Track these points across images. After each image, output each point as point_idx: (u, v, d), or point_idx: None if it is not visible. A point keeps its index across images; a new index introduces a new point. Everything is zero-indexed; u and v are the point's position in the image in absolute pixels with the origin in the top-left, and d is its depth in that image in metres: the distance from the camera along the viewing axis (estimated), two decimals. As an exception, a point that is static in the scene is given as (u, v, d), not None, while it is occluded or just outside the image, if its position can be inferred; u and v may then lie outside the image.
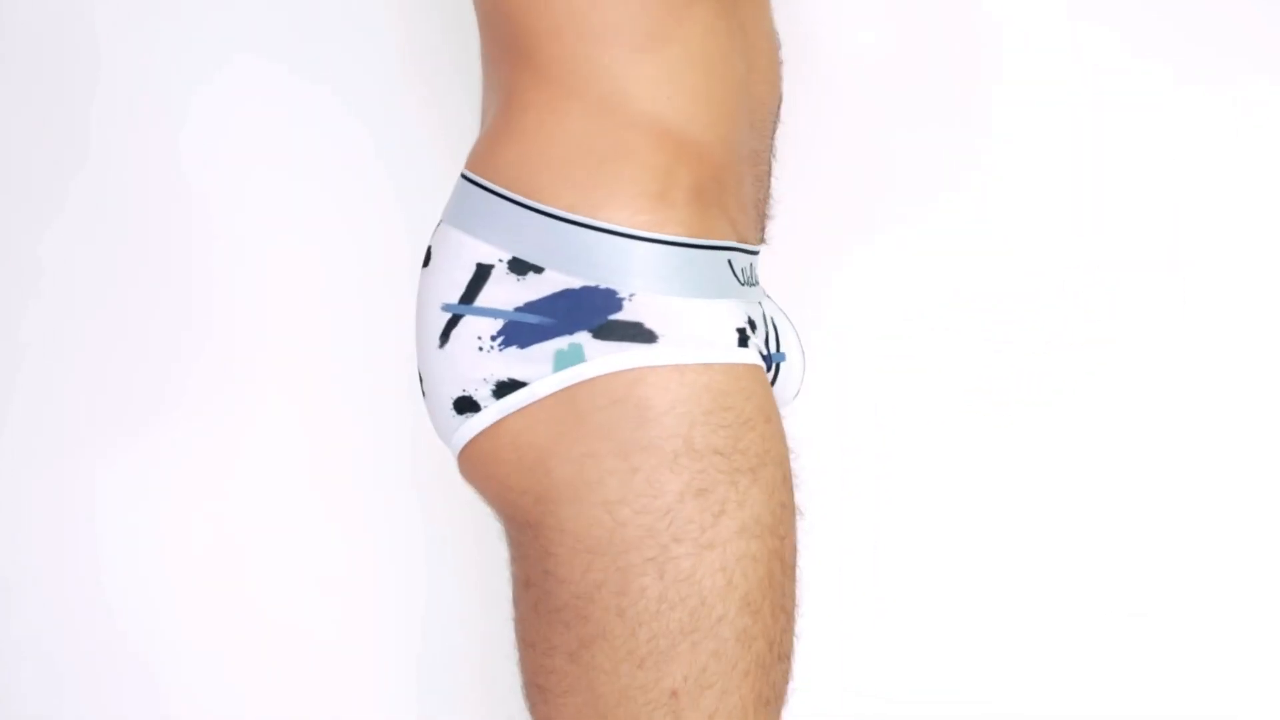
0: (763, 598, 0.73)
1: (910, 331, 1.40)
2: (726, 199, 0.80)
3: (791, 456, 0.80)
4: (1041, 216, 1.38)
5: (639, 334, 0.72)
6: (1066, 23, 1.35)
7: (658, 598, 0.71)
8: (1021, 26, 1.35)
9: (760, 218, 0.93)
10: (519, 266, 0.74)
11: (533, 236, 0.73)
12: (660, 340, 0.72)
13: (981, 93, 1.36)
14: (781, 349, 0.90)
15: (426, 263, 0.79)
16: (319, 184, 1.43)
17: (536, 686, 0.77)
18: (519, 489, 0.75)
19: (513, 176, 0.75)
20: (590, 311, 0.73)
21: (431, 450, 1.43)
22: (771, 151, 0.94)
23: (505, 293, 0.74)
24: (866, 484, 1.44)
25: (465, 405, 0.76)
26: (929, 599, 1.45)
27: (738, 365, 0.74)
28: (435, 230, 0.80)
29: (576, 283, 0.73)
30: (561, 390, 0.72)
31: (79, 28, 1.41)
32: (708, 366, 0.72)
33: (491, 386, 0.74)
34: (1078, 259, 1.37)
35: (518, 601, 0.78)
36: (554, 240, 0.73)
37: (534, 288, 0.73)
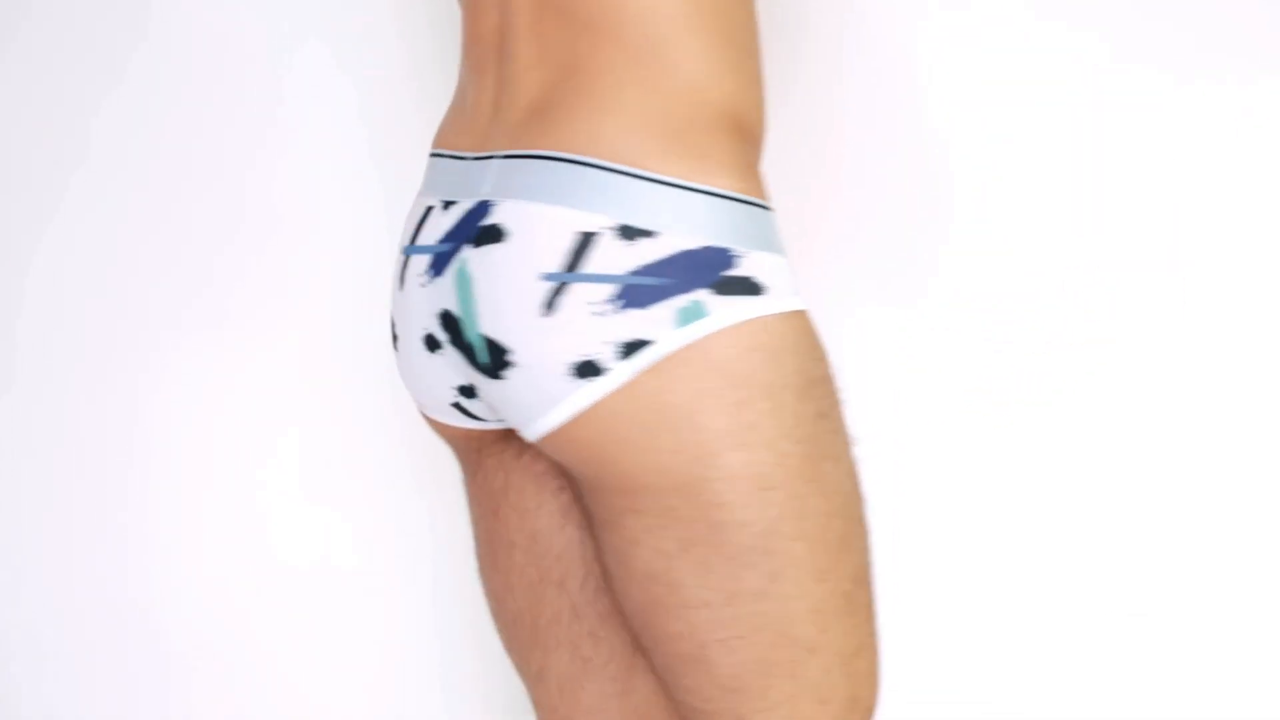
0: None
1: (910, 332, 1.40)
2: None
3: None
4: (1041, 217, 1.38)
5: (751, 288, 0.78)
6: (1066, 22, 1.35)
7: (826, 513, 0.80)
8: (1020, 27, 1.36)
9: None
10: (628, 233, 0.77)
11: (646, 204, 0.78)
12: (768, 292, 0.79)
13: (981, 93, 1.36)
14: None
15: (486, 240, 0.81)
16: (321, 182, 1.43)
17: (717, 643, 0.81)
18: (669, 448, 0.77)
19: (616, 150, 0.79)
20: (708, 269, 0.78)
21: (437, 449, 1.44)
22: None
23: (616, 258, 0.77)
24: (866, 483, 1.44)
25: (587, 369, 0.77)
26: (928, 598, 1.45)
27: (806, 310, 0.84)
28: (494, 209, 0.81)
29: (695, 243, 0.78)
30: (693, 344, 0.77)
31: (80, 28, 1.41)
32: (801, 312, 0.81)
33: (616, 347, 0.77)
34: (1078, 259, 1.38)
35: (661, 575, 0.80)
36: (670, 206, 0.78)
37: (648, 251, 0.77)
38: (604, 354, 0.77)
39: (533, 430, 0.81)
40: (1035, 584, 1.43)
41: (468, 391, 0.86)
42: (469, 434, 0.92)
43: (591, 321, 0.77)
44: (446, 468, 1.46)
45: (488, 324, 0.80)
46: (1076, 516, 1.42)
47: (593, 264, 0.77)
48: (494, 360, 0.81)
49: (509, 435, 0.92)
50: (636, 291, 0.77)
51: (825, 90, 1.36)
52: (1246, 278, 1.37)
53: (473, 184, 0.83)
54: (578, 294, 0.77)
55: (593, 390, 0.78)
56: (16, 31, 1.42)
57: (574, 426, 0.79)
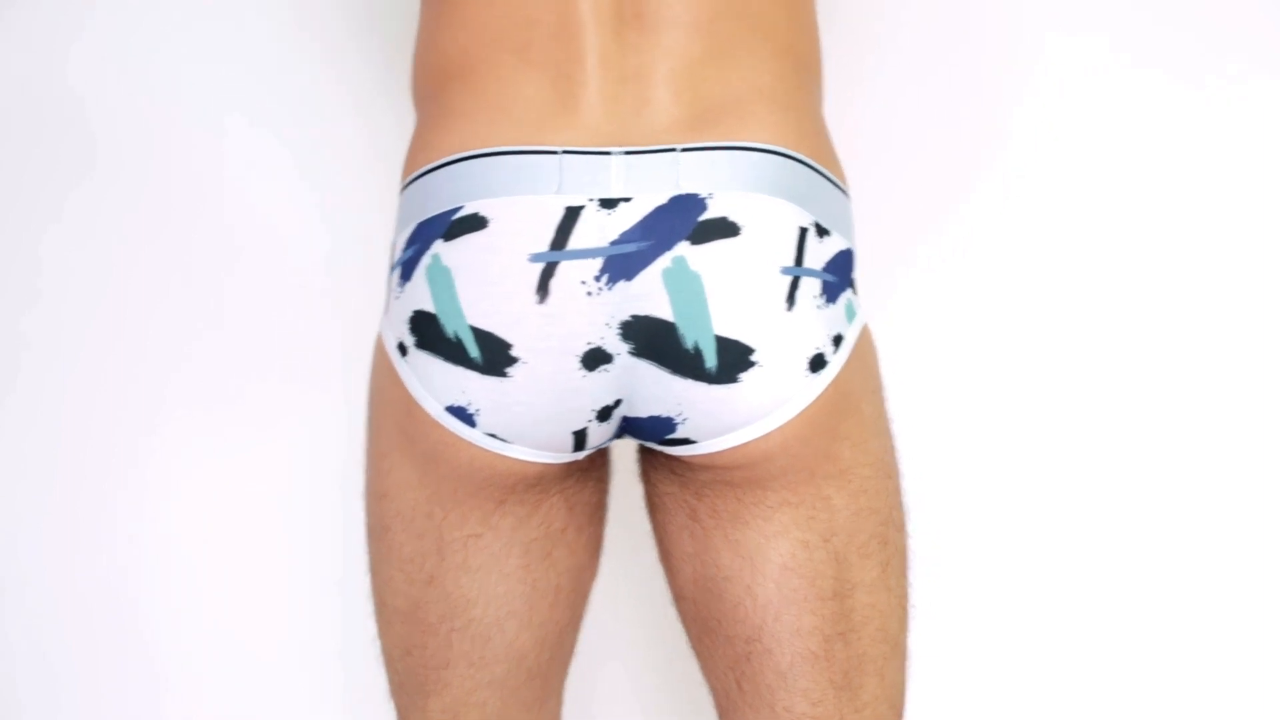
0: None
1: (910, 331, 1.40)
2: None
3: None
4: (1042, 216, 1.38)
5: (855, 287, 0.85)
6: (1064, 22, 1.36)
7: (901, 501, 0.87)
8: (1020, 26, 1.35)
9: None
10: (820, 230, 0.81)
11: (832, 206, 0.82)
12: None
13: (981, 93, 1.36)
14: None
15: (714, 236, 0.77)
16: (327, 184, 1.42)
17: (839, 636, 0.82)
18: (845, 435, 0.81)
19: (818, 154, 0.83)
20: (850, 269, 0.83)
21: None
22: None
23: (815, 254, 0.80)
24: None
25: (818, 363, 0.80)
26: (928, 598, 1.45)
27: None
28: (711, 202, 0.78)
29: (848, 244, 0.83)
30: (858, 338, 0.83)
31: (79, 32, 1.41)
32: None
33: (830, 340, 0.80)
34: (1078, 259, 1.38)
35: (803, 567, 0.82)
36: (840, 209, 0.84)
37: (829, 249, 0.81)
38: (827, 347, 0.80)
39: (730, 438, 0.78)
40: (1034, 583, 1.44)
41: (605, 413, 0.80)
42: (545, 471, 0.82)
43: (817, 315, 0.79)
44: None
45: (725, 324, 0.77)
46: (1076, 516, 1.42)
47: (808, 259, 0.79)
48: (729, 362, 0.77)
49: (573, 468, 0.86)
50: (830, 287, 0.80)
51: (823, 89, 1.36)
52: (1247, 278, 1.37)
53: (642, 178, 0.77)
54: (806, 288, 0.79)
55: (818, 383, 0.79)
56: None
57: (793, 423, 0.79)
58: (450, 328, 0.77)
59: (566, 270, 0.76)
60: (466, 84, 0.81)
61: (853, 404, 0.81)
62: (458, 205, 0.77)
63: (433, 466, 0.81)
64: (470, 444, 0.79)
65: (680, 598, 0.90)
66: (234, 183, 1.42)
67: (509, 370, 0.77)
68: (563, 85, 0.80)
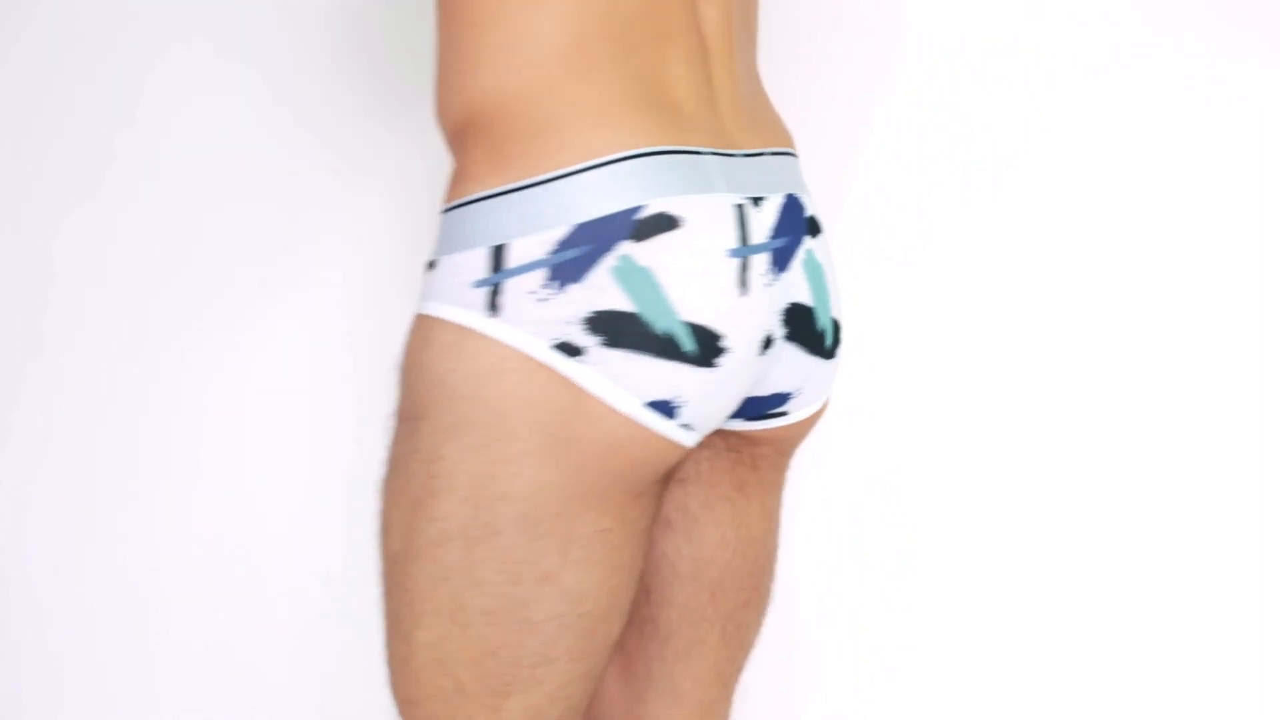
0: None
1: (909, 331, 1.40)
2: None
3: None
4: (1042, 216, 1.38)
5: None
6: (1053, 11, 1.35)
7: None
8: (1008, 15, 1.36)
9: None
10: None
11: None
12: None
13: (981, 92, 1.36)
14: None
15: (818, 231, 0.90)
16: (335, 183, 1.44)
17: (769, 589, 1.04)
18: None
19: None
20: None
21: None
22: None
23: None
24: (866, 483, 1.44)
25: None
26: (927, 600, 1.45)
27: None
28: (805, 201, 0.89)
29: None
30: None
31: (80, 30, 1.43)
32: None
33: None
34: (1067, 249, 1.37)
35: (778, 524, 0.99)
36: None
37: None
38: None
39: (812, 407, 0.92)
40: (1033, 584, 1.43)
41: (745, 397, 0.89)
42: (682, 454, 0.86)
43: None
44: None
45: (836, 307, 0.91)
46: (1075, 516, 1.41)
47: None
48: (836, 340, 0.92)
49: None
50: None
51: (821, 89, 1.36)
52: (1247, 278, 1.36)
53: (762, 179, 0.86)
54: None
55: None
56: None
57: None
58: (660, 325, 0.78)
59: (753, 264, 0.82)
60: (592, 82, 0.81)
61: None
62: (636, 205, 0.78)
63: (591, 463, 0.81)
64: (657, 436, 0.81)
65: (692, 561, 0.96)
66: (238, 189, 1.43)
67: (717, 361, 0.81)
68: (690, 89, 0.84)
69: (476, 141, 0.81)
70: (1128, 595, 1.41)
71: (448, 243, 0.81)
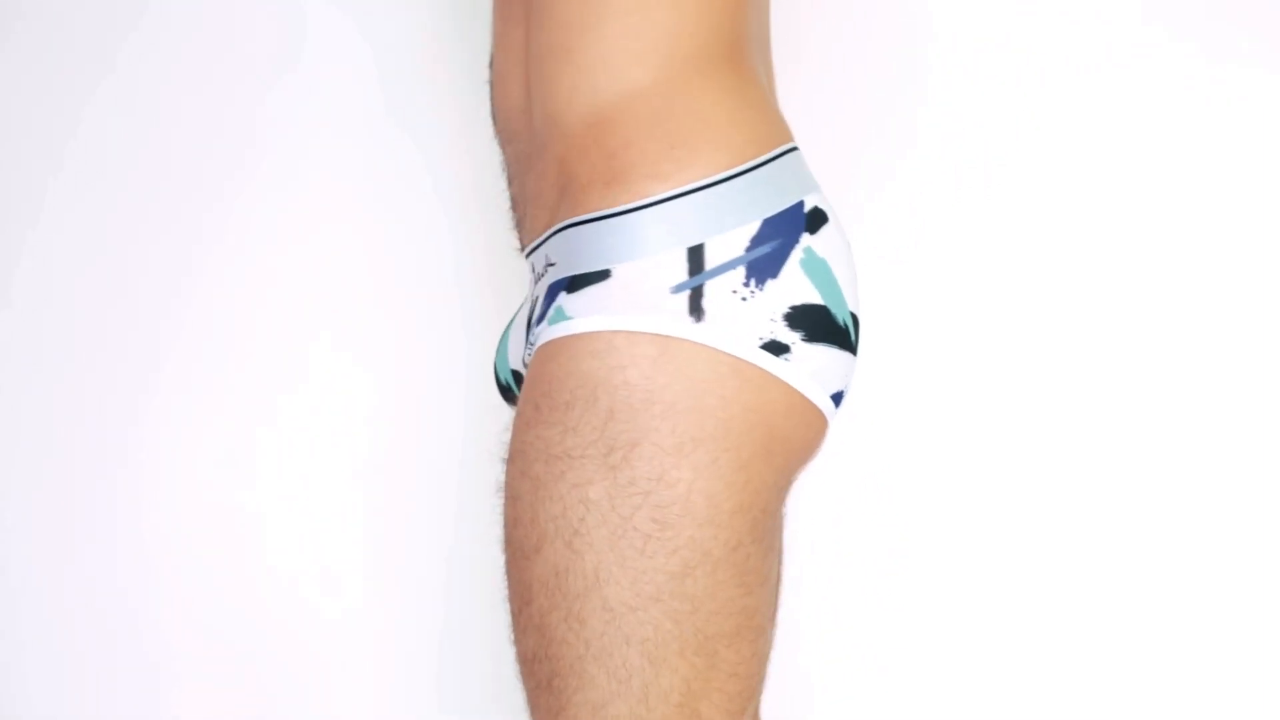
0: None
1: (909, 332, 1.40)
2: None
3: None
4: (1041, 216, 1.38)
5: None
6: (1056, 20, 1.35)
7: None
8: (1017, 25, 1.36)
9: (519, 218, 0.95)
10: None
11: None
12: None
13: (973, 91, 1.37)
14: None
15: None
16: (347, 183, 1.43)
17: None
18: None
19: None
20: None
21: (439, 452, 1.44)
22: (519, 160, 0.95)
23: None
24: (857, 482, 1.44)
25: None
26: (926, 601, 1.45)
27: None
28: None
29: None
30: None
31: (79, 29, 1.42)
32: None
33: None
34: (1061, 248, 1.37)
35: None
36: None
37: None
38: None
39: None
40: (1034, 585, 1.43)
41: None
42: None
43: None
44: (449, 471, 1.46)
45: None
46: (1075, 517, 1.41)
47: None
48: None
49: None
50: None
51: (820, 89, 1.36)
52: (1248, 278, 1.36)
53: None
54: None
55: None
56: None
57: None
58: (840, 317, 0.79)
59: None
60: (746, 77, 0.82)
61: None
62: (798, 199, 0.79)
63: (793, 458, 0.82)
64: (826, 426, 0.83)
65: None
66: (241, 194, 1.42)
67: (857, 350, 0.85)
68: (770, 85, 0.88)
69: (633, 139, 0.78)
70: (1126, 595, 1.41)
71: (622, 249, 0.77)
